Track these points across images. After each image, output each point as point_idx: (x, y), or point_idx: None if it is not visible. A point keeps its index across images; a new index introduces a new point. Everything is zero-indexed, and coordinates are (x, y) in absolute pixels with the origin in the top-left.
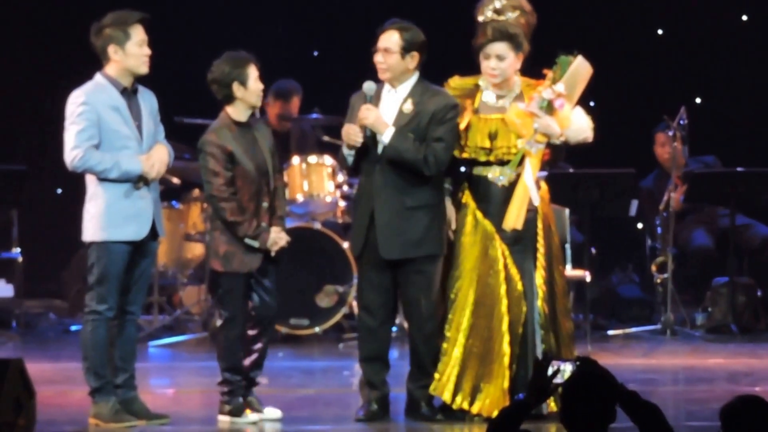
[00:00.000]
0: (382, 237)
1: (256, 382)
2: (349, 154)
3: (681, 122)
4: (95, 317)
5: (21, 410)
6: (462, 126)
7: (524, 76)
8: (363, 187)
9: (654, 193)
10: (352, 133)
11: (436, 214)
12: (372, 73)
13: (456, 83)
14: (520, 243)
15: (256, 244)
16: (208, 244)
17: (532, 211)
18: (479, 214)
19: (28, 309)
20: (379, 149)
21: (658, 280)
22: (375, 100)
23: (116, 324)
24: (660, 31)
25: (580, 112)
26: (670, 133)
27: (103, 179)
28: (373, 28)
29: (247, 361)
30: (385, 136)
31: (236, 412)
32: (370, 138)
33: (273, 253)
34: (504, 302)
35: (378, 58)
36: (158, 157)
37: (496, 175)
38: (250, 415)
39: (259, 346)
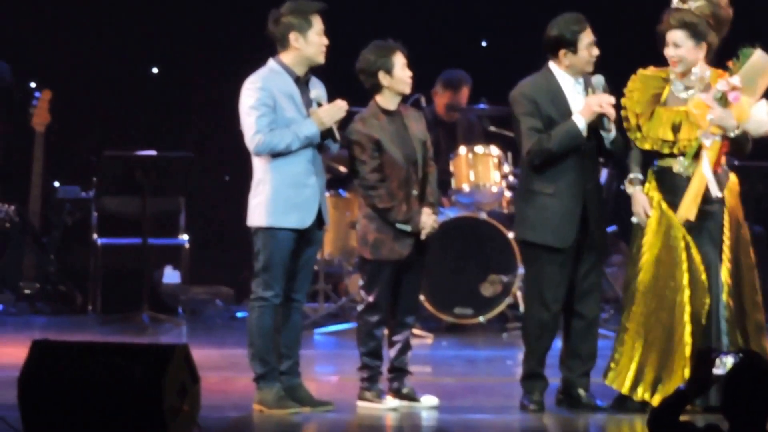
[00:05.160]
0: (595, 225)
1: (407, 371)
2: (608, 137)
3: None
4: (261, 303)
5: (186, 396)
6: (646, 116)
7: (716, 68)
8: (567, 177)
9: None
10: (606, 103)
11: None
12: (537, 65)
13: (647, 73)
14: (706, 235)
15: (408, 227)
16: (357, 231)
17: (717, 203)
18: (664, 205)
19: (194, 295)
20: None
21: None
22: (560, 93)
23: (282, 311)
24: None
25: (763, 105)
26: None
27: (275, 160)
28: (541, 18)
29: (392, 352)
30: (613, 129)
31: (376, 398)
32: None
33: (423, 236)
34: (686, 292)
35: (594, 51)
36: (322, 111)
37: (680, 166)
38: (390, 401)
39: (401, 336)
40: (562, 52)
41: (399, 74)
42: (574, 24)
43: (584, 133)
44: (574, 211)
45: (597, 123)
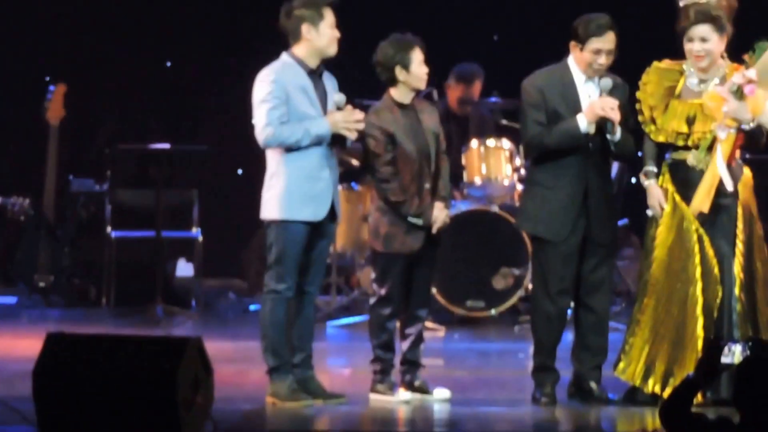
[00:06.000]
0: (598, 222)
1: (419, 364)
2: (612, 140)
3: None
4: (274, 296)
5: (199, 388)
6: (660, 109)
7: (732, 61)
8: (569, 173)
9: None
10: (609, 107)
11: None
12: (548, 59)
13: (662, 66)
14: (719, 228)
15: (420, 221)
16: (370, 224)
17: (731, 197)
18: (677, 198)
19: (207, 288)
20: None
21: None
22: (572, 88)
23: (295, 304)
24: None
25: None
26: None
27: (288, 153)
28: (553, 12)
29: (404, 344)
30: (618, 133)
31: (388, 390)
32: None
33: (434, 230)
34: (698, 285)
35: (599, 59)
36: (339, 115)
37: (694, 159)
38: (402, 394)
39: (414, 329)
40: (572, 43)
41: (416, 70)
42: (592, 24)
43: (588, 132)
44: (570, 206)
45: (602, 125)
